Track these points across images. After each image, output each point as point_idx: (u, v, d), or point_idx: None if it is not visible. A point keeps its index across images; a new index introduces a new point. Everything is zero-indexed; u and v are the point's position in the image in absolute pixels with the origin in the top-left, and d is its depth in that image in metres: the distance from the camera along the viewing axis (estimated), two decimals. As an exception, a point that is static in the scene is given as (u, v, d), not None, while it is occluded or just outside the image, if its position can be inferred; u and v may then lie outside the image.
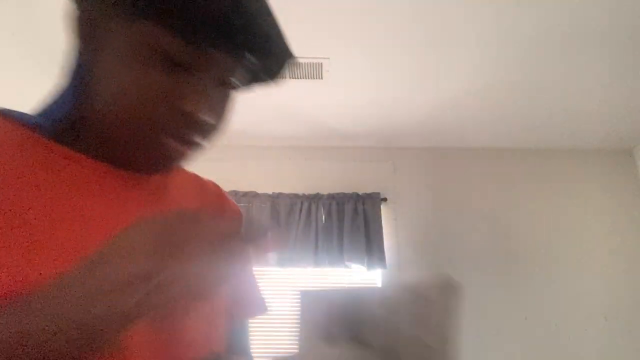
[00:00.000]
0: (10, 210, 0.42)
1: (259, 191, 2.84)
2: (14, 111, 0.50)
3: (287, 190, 2.85)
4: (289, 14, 1.85)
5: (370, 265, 2.67)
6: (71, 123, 0.51)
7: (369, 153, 3.03)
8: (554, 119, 2.68)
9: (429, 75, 2.28)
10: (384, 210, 2.85)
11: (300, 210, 2.78)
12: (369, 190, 2.86)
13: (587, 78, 2.27)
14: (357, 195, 2.84)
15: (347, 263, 2.67)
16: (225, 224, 0.38)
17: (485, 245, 2.79)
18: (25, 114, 0.50)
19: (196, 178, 0.67)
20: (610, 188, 2.92)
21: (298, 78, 2.29)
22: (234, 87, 0.53)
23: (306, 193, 2.85)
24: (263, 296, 0.70)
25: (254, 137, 2.93)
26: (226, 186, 2.87)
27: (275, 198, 2.83)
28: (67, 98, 0.51)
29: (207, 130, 0.51)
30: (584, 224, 2.85)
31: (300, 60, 2.16)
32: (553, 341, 2.60)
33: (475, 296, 2.66)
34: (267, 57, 0.52)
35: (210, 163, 3.20)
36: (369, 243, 2.71)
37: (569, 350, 2.58)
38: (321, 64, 2.18)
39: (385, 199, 2.87)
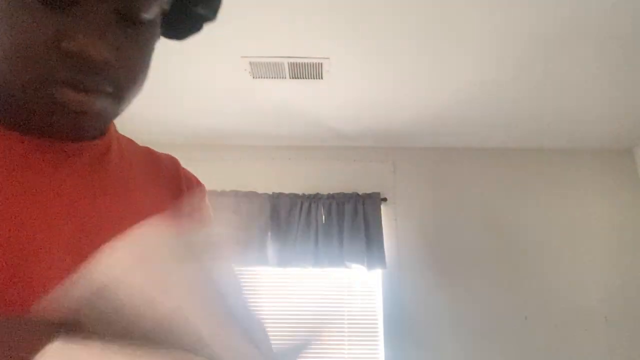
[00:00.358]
0: None
1: (259, 191, 2.84)
2: None
3: (287, 190, 2.85)
4: (289, 14, 1.86)
5: (370, 265, 2.67)
6: None
7: (369, 153, 3.03)
8: (553, 119, 2.68)
9: (429, 75, 2.27)
10: (384, 210, 2.85)
11: (300, 210, 2.78)
12: (369, 190, 2.86)
13: (587, 78, 2.27)
14: (357, 195, 2.84)
15: (347, 263, 2.67)
16: None
17: (485, 245, 2.79)
18: None
19: (149, 152, 0.60)
20: (610, 188, 2.92)
21: (298, 78, 2.29)
22: (147, 23, 0.45)
23: (306, 193, 2.84)
24: None
25: (254, 137, 2.93)
26: (226, 186, 2.88)
27: (275, 198, 2.82)
28: None
29: (111, 73, 0.43)
30: (584, 224, 2.85)
31: (300, 60, 2.15)
32: (553, 341, 2.60)
33: (475, 296, 2.66)
34: None
35: (211, 163, 3.19)
36: (368, 243, 2.71)
37: (569, 350, 2.58)
38: (321, 64, 2.17)
39: (385, 199, 2.87)
